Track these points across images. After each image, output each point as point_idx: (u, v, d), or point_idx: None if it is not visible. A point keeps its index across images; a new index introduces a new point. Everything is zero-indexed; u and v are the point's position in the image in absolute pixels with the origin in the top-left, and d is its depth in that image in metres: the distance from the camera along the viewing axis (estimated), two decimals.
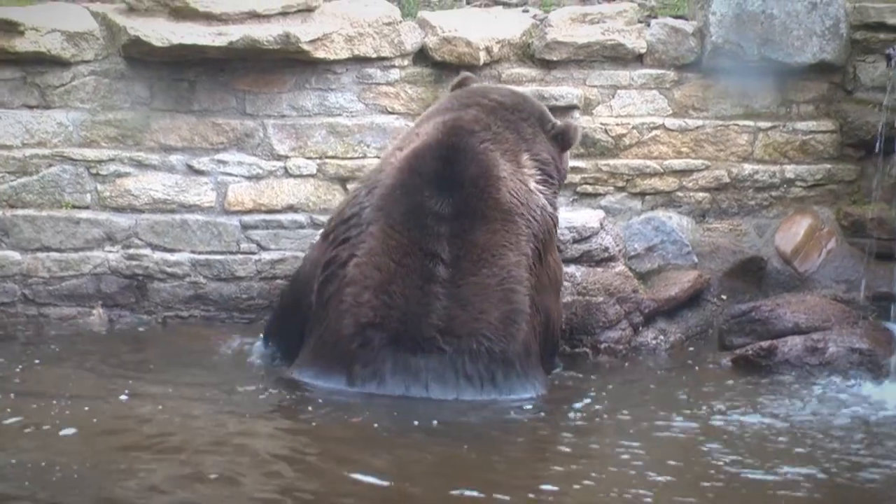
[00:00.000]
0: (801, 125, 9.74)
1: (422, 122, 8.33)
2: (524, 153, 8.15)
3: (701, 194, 9.70)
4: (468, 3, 10.46)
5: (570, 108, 9.48)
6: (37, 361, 8.26)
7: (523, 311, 7.76)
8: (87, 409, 7.23)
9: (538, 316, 7.94)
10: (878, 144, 9.24)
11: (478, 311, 7.65)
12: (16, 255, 9.17)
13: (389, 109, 9.43)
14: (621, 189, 9.65)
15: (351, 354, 7.63)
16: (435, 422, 7.23)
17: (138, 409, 7.31)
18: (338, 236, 7.98)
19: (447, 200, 7.77)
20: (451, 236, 7.72)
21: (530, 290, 7.84)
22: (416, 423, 7.21)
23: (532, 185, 8.06)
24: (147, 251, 9.27)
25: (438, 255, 7.67)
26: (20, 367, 8.11)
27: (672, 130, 9.66)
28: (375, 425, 7.13)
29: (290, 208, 9.39)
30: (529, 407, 7.61)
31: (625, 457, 6.77)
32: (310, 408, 7.46)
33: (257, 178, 9.37)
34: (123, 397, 7.51)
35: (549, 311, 8.09)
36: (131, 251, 9.25)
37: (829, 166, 9.74)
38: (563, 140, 8.39)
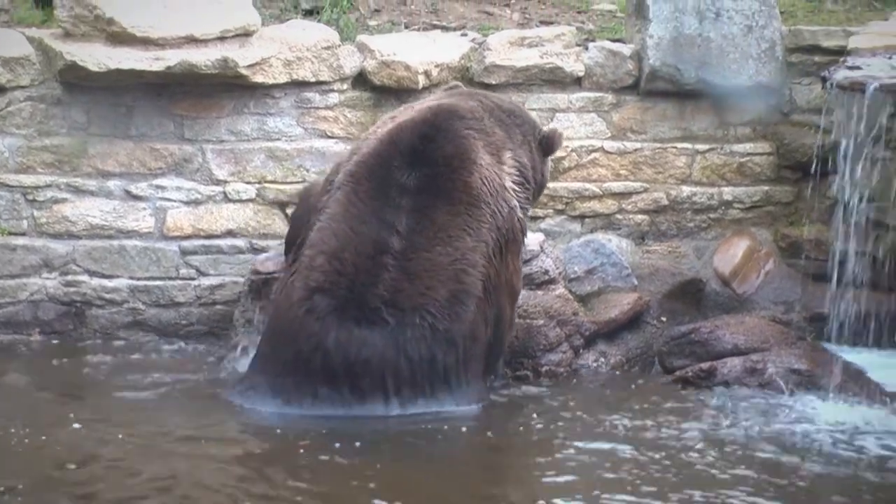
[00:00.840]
0: (738, 147, 9.80)
1: (422, 102, 8.46)
2: (507, 151, 8.22)
3: (640, 216, 9.74)
4: (407, 28, 10.47)
5: None
6: None
7: (473, 294, 7.78)
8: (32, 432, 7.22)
9: (490, 307, 7.93)
10: (814, 166, 9.30)
11: (425, 287, 7.67)
12: None
13: (329, 133, 9.42)
14: (561, 212, 9.67)
15: (298, 321, 7.65)
16: (358, 443, 7.26)
17: (90, 433, 7.30)
18: (316, 202, 8.08)
19: (415, 174, 7.83)
20: (412, 210, 7.77)
21: (484, 277, 7.84)
22: (337, 445, 7.20)
23: (507, 182, 8.12)
24: (85, 277, 9.21)
25: (394, 227, 7.72)
26: None
27: (611, 153, 9.70)
28: (301, 448, 7.14)
29: (230, 233, 9.35)
30: (465, 428, 7.62)
31: (560, 478, 6.84)
32: (247, 434, 7.51)
33: (196, 203, 9.32)
34: (77, 425, 7.48)
35: (502, 310, 8.07)
36: (69, 277, 9.19)
37: (766, 188, 9.81)
38: (547, 144, 8.52)
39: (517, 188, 8.20)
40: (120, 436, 7.27)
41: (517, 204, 8.16)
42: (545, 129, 8.64)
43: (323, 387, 7.62)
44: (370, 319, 7.61)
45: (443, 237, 7.77)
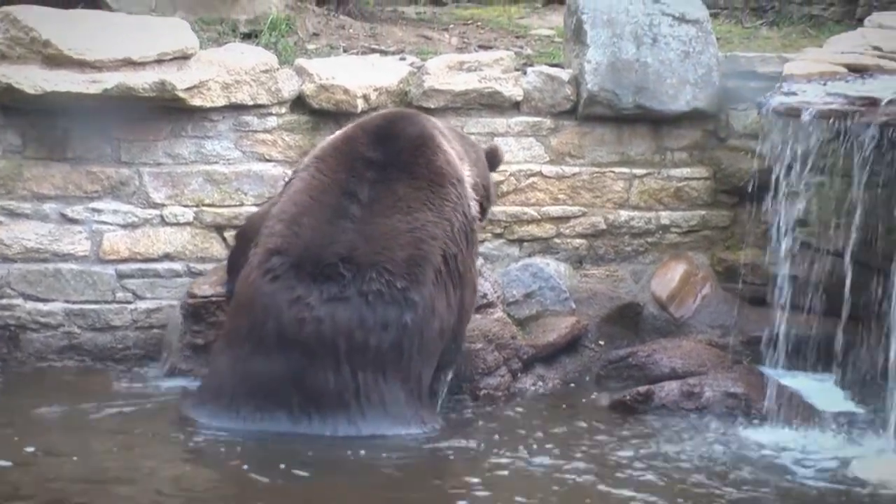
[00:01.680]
0: (675, 172, 9.86)
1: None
2: (466, 162, 8.33)
3: (578, 240, 9.77)
4: (345, 52, 10.47)
5: None
6: None
7: (431, 262, 7.78)
8: None
9: (453, 288, 7.93)
10: (750, 191, 9.36)
11: (381, 247, 7.68)
12: None
13: (267, 157, 9.39)
14: (499, 236, 9.69)
15: (256, 283, 7.66)
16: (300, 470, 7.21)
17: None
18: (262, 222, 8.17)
19: (381, 150, 7.94)
20: (375, 182, 7.86)
21: (445, 252, 7.84)
22: (282, 466, 7.17)
23: (468, 184, 8.22)
24: (19, 301, 9.12)
25: (356, 196, 7.79)
26: None
27: (549, 177, 9.73)
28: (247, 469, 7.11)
29: (167, 257, 9.29)
30: (404, 453, 7.61)
31: (492, 497, 6.87)
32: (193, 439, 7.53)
33: (133, 226, 9.26)
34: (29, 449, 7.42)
35: (462, 300, 8.07)
36: (3, 301, 9.09)
37: (703, 213, 9.87)
38: (494, 157, 8.77)
39: (475, 197, 8.27)
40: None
41: (475, 214, 8.24)
42: (488, 145, 8.84)
43: (275, 353, 7.55)
44: (326, 275, 7.59)
45: (403, 207, 7.83)
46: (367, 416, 7.61)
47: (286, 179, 8.48)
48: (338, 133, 8.31)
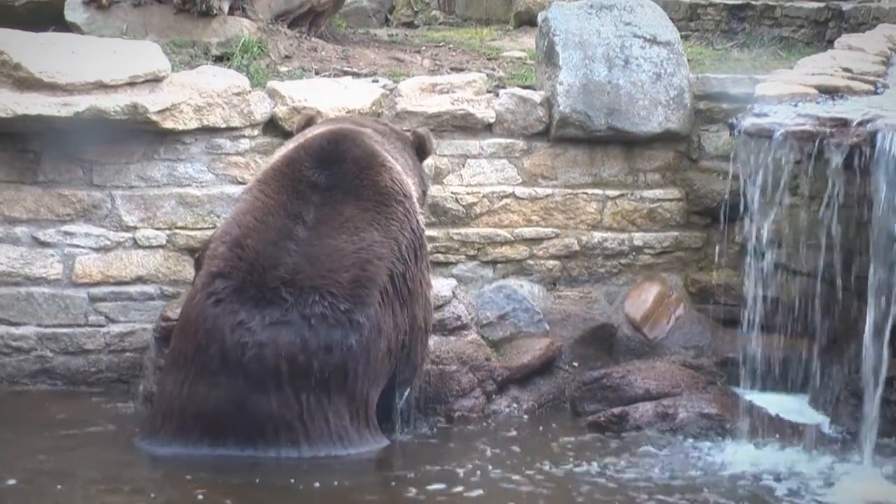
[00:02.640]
0: (648, 193, 9.88)
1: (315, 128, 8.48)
2: (412, 178, 8.32)
3: (551, 262, 9.77)
4: (318, 74, 10.48)
5: None
6: None
7: (377, 283, 7.72)
8: None
9: (402, 308, 7.89)
10: (722, 212, 9.39)
11: (326, 270, 7.64)
12: None
13: (240, 179, 9.35)
14: (473, 258, 9.68)
15: (199, 306, 7.62)
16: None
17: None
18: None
19: (325, 173, 7.89)
20: (320, 204, 7.81)
21: (392, 272, 7.81)
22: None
23: (412, 190, 8.21)
24: None
25: (301, 217, 7.74)
26: None
27: (522, 199, 9.73)
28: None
29: (140, 280, 9.26)
30: (377, 471, 7.60)
31: None
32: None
33: (105, 249, 9.23)
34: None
35: (415, 320, 8.04)
36: None
37: (676, 234, 9.90)
38: (423, 147, 8.67)
39: (419, 198, 8.30)
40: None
41: (421, 220, 8.24)
42: (413, 132, 8.81)
43: (219, 377, 7.52)
44: (268, 299, 7.55)
45: (349, 227, 7.79)
46: (312, 437, 7.59)
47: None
48: (280, 155, 8.22)
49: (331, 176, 7.91)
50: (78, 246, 9.19)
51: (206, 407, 7.55)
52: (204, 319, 7.61)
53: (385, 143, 8.33)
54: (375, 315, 7.71)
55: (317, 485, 7.37)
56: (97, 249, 9.22)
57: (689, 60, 10.12)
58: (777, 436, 8.28)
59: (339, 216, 7.81)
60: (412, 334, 8.07)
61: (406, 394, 8.29)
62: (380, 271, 7.77)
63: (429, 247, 8.60)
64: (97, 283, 9.21)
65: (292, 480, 7.35)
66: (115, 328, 9.23)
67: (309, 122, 8.61)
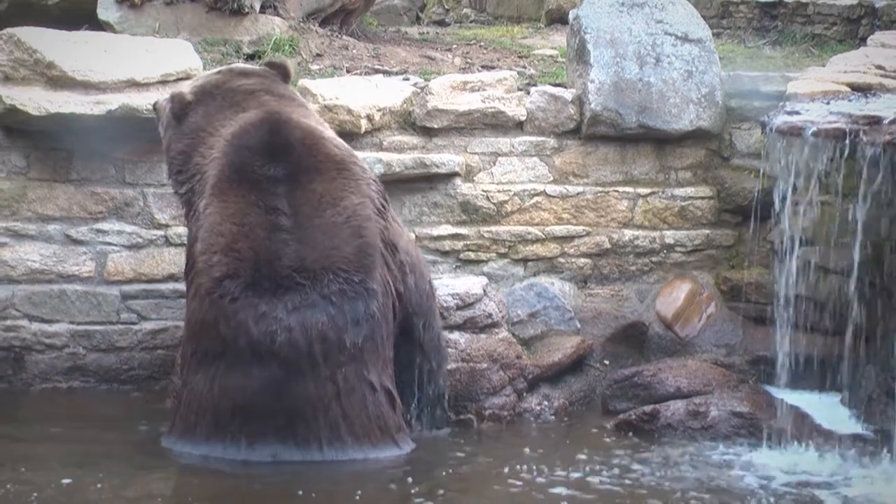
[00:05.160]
0: (679, 191, 9.85)
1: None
2: (321, 122, 8.45)
3: (582, 260, 9.76)
4: (349, 72, 10.49)
5: (451, 176, 9.51)
6: None
7: (376, 245, 7.80)
8: None
9: (393, 261, 7.96)
10: (754, 210, 9.36)
11: (329, 248, 7.68)
12: None
13: None
14: (503, 255, 9.67)
15: (213, 310, 7.61)
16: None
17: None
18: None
19: (279, 164, 7.85)
20: (288, 192, 7.79)
21: (381, 229, 7.88)
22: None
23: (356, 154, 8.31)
24: (24, 322, 9.12)
25: (279, 209, 7.72)
26: None
27: (553, 197, 9.72)
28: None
29: (171, 277, 9.28)
30: (410, 468, 7.63)
31: None
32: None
33: (137, 247, 9.27)
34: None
35: (402, 262, 8.08)
36: (8, 322, 9.09)
37: (707, 232, 9.87)
38: (286, 73, 8.62)
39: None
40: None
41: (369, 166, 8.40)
42: (267, 61, 8.84)
43: (252, 368, 7.54)
44: (285, 287, 7.58)
45: (328, 201, 7.80)
46: (350, 418, 7.61)
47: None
48: (219, 161, 7.98)
49: (287, 165, 7.87)
50: (110, 244, 9.24)
51: (242, 399, 7.56)
52: (224, 317, 7.60)
53: (286, 103, 8.29)
54: (382, 277, 7.80)
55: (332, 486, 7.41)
56: (129, 247, 9.26)
57: (720, 58, 10.09)
58: (809, 434, 8.25)
59: (312, 195, 7.80)
60: (409, 272, 8.12)
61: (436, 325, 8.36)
62: (373, 232, 7.84)
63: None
64: (129, 281, 9.25)
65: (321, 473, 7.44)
66: (147, 325, 9.27)
67: (184, 105, 8.34)
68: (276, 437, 7.55)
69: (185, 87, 8.44)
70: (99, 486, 7.23)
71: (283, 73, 8.60)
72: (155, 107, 8.64)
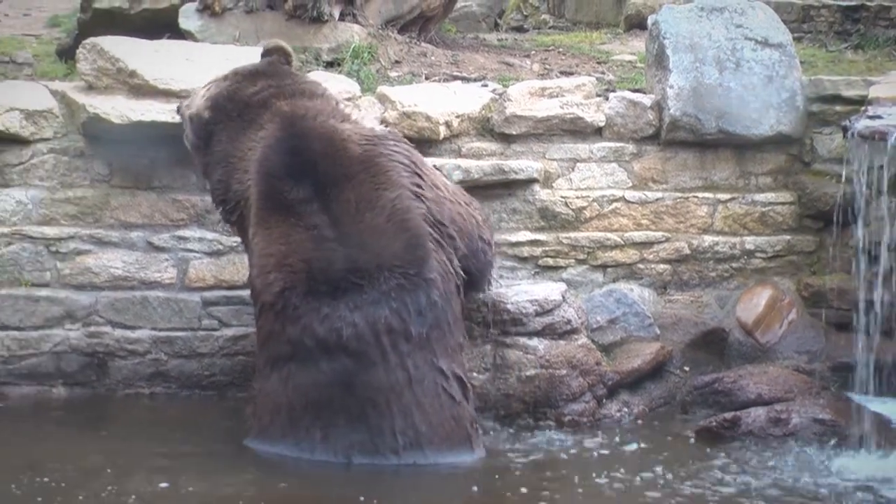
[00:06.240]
0: (759, 197, 9.79)
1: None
2: (337, 103, 8.46)
3: (662, 266, 9.72)
4: (427, 79, 10.51)
5: (530, 182, 9.50)
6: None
7: (422, 235, 7.85)
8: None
9: (443, 236, 8.00)
10: (836, 215, 9.29)
11: (378, 247, 7.74)
12: None
13: None
14: (582, 262, 9.65)
15: (280, 322, 7.71)
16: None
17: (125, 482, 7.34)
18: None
19: (306, 184, 7.88)
20: (324, 208, 7.83)
21: (424, 214, 7.92)
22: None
23: (370, 124, 8.39)
24: (107, 328, 9.21)
25: (319, 226, 7.78)
26: None
27: (632, 203, 9.69)
28: None
29: None
30: (498, 475, 7.58)
31: None
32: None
33: (218, 254, 9.34)
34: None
35: (454, 220, 8.15)
36: (91, 329, 9.18)
37: (788, 237, 9.80)
38: (286, 55, 8.62)
39: (375, 123, 8.62)
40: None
41: (388, 131, 8.41)
42: (271, 47, 8.75)
43: (322, 363, 7.61)
44: (343, 288, 7.65)
45: (363, 204, 7.83)
46: (423, 405, 7.65)
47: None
48: (252, 194, 8.06)
49: (314, 183, 7.89)
50: (191, 250, 9.31)
51: (314, 395, 7.64)
52: (290, 323, 7.70)
53: (298, 103, 8.27)
54: (437, 262, 7.85)
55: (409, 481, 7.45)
56: (210, 254, 9.33)
57: (801, 62, 10.02)
58: (892, 441, 8.16)
59: (347, 204, 7.83)
60: (459, 240, 8.14)
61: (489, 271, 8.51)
62: (416, 221, 7.87)
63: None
64: (210, 287, 9.32)
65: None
66: (228, 332, 9.33)
67: (204, 124, 8.42)
68: (349, 427, 7.61)
69: (199, 101, 8.50)
70: (191, 488, 7.33)
71: (284, 57, 8.63)
72: (179, 112, 8.74)
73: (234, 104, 8.35)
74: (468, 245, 8.24)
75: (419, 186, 8.06)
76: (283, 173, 7.94)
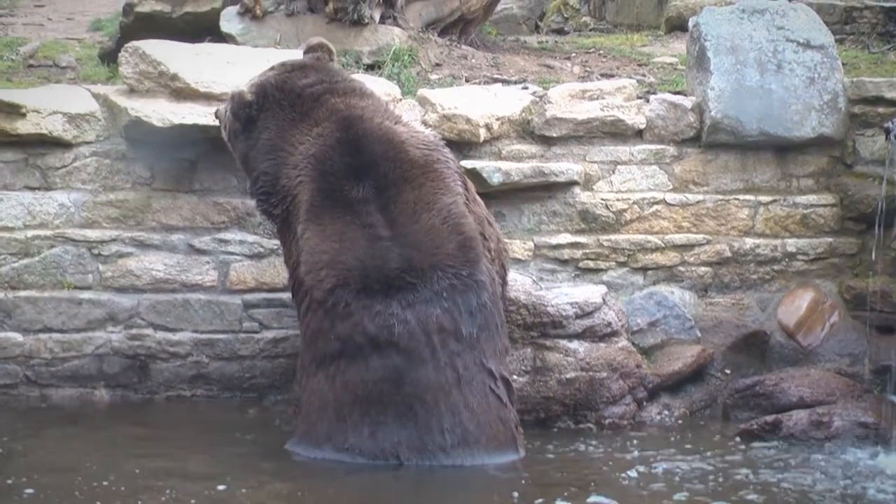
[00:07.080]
0: (801, 199, 9.75)
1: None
2: (386, 104, 8.52)
3: (703, 269, 9.68)
4: (467, 81, 10.52)
5: (570, 184, 9.49)
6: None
7: (475, 238, 7.92)
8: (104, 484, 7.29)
9: (486, 237, 8.11)
10: (878, 217, 9.24)
11: (433, 248, 7.77)
12: (18, 337, 9.16)
13: None
14: (623, 264, 9.63)
15: (330, 318, 7.71)
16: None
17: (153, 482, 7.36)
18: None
19: (367, 184, 7.92)
20: (382, 208, 7.87)
21: (476, 223, 8.01)
22: None
23: (424, 133, 8.34)
24: (149, 331, 9.25)
25: (374, 225, 7.81)
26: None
27: (673, 205, 9.66)
28: None
29: None
30: (528, 474, 7.59)
31: None
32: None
33: (259, 256, 9.37)
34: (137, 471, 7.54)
35: (491, 237, 8.23)
36: (133, 331, 9.23)
37: (830, 240, 9.75)
38: (329, 52, 8.62)
39: (427, 130, 8.55)
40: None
41: (442, 140, 8.40)
42: (306, 45, 8.78)
43: (371, 359, 7.62)
44: (396, 286, 7.67)
45: (422, 206, 7.88)
46: (471, 405, 7.66)
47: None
48: (305, 189, 8.04)
49: (374, 183, 7.93)
50: (232, 253, 9.34)
51: (362, 392, 7.64)
52: (340, 320, 7.71)
53: (354, 103, 8.27)
54: (487, 266, 7.91)
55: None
56: (251, 256, 9.36)
57: (843, 64, 9.98)
58: None
59: (405, 206, 7.88)
60: (495, 259, 8.22)
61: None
62: (470, 227, 7.93)
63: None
64: (251, 290, 9.35)
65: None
66: (269, 334, 9.35)
67: (245, 105, 8.36)
68: (397, 424, 7.62)
69: (244, 87, 8.48)
70: (245, 490, 7.34)
71: (328, 54, 8.63)
72: (217, 115, 8.73)
73: (285, 94, 8.33)
74: (498, 270, 8.26)
75: (466, 198, 8.13)
76: (344, 172, 7.97)
